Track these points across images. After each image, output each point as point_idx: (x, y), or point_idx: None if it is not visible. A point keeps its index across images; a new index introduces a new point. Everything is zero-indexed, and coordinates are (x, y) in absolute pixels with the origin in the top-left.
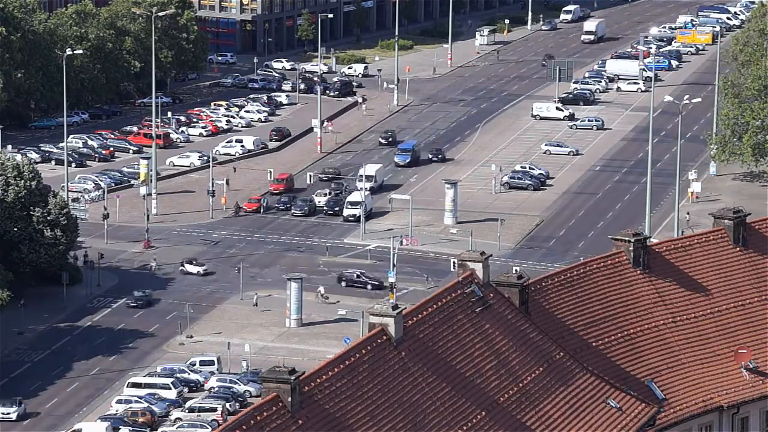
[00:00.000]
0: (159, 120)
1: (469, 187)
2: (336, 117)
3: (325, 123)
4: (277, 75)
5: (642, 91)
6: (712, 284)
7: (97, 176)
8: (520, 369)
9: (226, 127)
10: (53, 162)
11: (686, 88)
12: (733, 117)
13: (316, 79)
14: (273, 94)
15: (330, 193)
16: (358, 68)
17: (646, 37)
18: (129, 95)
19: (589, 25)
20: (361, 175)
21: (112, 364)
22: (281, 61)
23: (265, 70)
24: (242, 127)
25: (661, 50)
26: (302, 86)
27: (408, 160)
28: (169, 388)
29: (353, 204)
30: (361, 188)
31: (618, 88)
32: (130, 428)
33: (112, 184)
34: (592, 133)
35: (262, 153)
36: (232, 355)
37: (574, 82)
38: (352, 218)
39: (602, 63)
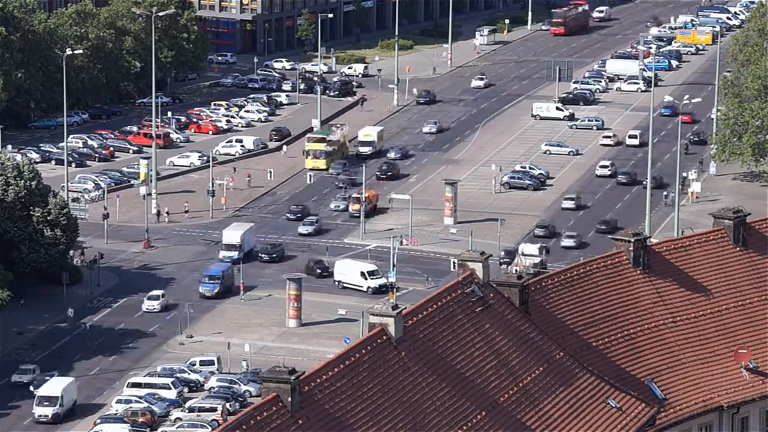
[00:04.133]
0: (159, 120)
1: (469, 187)
2: (336, 116)
3: (226, 179)
4: (277, 75)
5: (642, 91)
6: (712, 284)
7: (97, 176)
8: (520, 369)
9: (226, 127)
10: (53, 162)
11: (686, 88)
12: (733, 117)
13: (316, 79)
14: (273, 94)
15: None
16: (358, 68)
17: (646, 37)
18: (129, 95)
19: (229, 235)
20: (226, 243)
21: (112, 364)
22: (281, 61)
23: (265, 70)
24: (242, 127)
25: (661, 50)
26: (302, 86)
27: (216, 290)
28: (169, 388)
29: (229, 247)
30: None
31: (618, 88)
32: (130, 428)
33: (112, 184)
34: (592, 133)
35: (261, 153)
36: (232, 355)
37: (574, 82)
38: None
39: (602, 63)
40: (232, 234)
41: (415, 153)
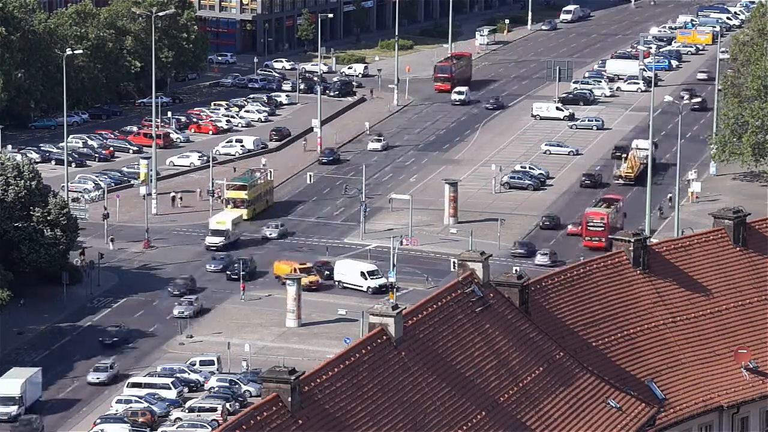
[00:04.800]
0: (159, 120)
1: (469, 187)
2: (338, 115)
3: (216, 186)
4: (277, 75)
5: (642, 91)
6: (712, 284)
7: (97, 176)
8: (520, 369)
9: (226, 127)
10: (53, 162)
11: (686, 88)
12: (733, 117)
13: (316, 79)
14: (273, 94)
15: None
16: (358, 68)
17: (646, 37)
18: (129, 95)
19: (6, 385)
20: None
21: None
22: (281, 61)
23: (265, 70)
24: (242, 127)
25: (661, 50)
26: (302, 86)
27: None
28: (169, 388)
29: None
30: None
31: (618, 88)
32: (130, 428)
33: (112, 184)
34: (592, 133)
35: (262, 153)
36: (232, 355)
37: (574, 82)
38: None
39: (602, 63)
40: (10, 384)
41: (294, 231)
